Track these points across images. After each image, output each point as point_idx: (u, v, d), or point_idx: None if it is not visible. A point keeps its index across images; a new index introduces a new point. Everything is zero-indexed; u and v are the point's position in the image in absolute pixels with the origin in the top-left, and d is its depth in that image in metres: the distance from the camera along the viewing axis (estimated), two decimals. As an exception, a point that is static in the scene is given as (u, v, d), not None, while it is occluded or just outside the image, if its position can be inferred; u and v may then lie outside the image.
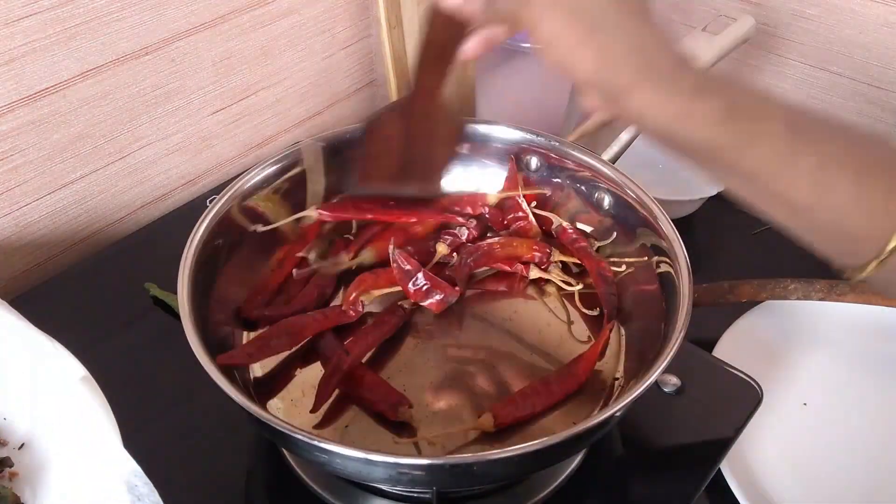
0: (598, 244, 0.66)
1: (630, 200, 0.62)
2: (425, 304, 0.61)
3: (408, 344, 0.60)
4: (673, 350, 0.49)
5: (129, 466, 0.46)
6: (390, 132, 0.56)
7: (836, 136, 0.40)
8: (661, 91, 0.39)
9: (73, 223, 0.75)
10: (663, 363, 0.48)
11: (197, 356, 0.48)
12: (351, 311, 0.60)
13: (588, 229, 0.66)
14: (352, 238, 0.67)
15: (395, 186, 0.59)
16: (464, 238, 0.67)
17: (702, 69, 0.40)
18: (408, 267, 0.61)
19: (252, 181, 0.62)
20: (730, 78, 0.40)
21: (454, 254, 0.66)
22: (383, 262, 0.63)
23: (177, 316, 0.51)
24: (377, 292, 0.62)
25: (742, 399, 0.60)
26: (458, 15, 0.46)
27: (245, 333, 0.59)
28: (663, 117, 0.40)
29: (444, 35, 0.49)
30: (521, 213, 0.68)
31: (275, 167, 0.63)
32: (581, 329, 0.62)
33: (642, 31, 0.40)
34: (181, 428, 0.59)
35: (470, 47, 0.47)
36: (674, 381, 0.61)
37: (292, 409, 0.55)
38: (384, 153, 0.57)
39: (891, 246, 0.38)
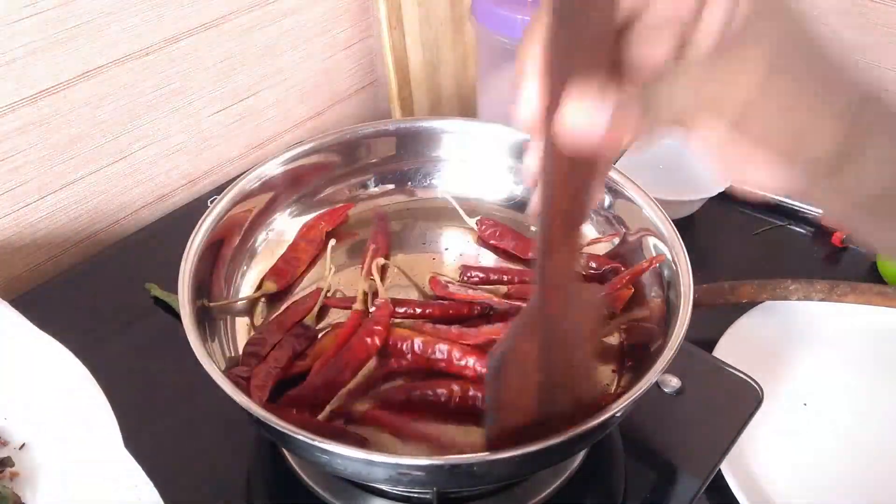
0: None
1: (630, 200, 0.62)
2: None
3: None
4: (673, 350, 0.49)
5: (130, 466, 0.46)
6: (521, 364, 0.42)
7: None
8: (823, 188, 0.38)
9: (73, 223, 0.75)
10: (663, 363, 0.48)
11: (197, 356, 0.48)
12: None
13: None
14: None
15: (543, 424, 0.43)
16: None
17: (861, 136, 0.37)
18: None
19: (253, 181, 0.62)
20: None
21: None
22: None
23: (178, 316, 0.51)
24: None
25: (742, 399, 0.60)
26: (597, 149, 0.30)
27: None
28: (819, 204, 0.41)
29: (570, 184, 0.34)
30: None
31: (275, 167, 0.63)
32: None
33: (804, 110, 0.36)
34: (181, 428, 0.59)
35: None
36: (674, 381, 0.61)
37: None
38: (519, 395, 0.43)
39: None
